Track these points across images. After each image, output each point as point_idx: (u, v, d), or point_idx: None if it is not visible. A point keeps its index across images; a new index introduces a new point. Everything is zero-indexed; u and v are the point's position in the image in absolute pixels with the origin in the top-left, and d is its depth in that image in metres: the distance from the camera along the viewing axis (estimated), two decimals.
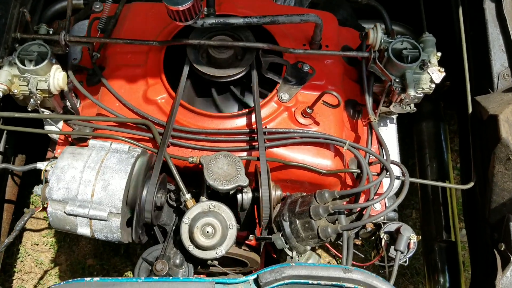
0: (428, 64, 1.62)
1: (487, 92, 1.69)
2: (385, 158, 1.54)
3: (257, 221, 1.50)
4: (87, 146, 1.41)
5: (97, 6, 1.85)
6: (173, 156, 1.50)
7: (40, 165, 1.53)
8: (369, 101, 1.65)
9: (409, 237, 1.52)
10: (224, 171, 1.36)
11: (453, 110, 2.33)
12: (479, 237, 1.71)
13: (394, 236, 1.58)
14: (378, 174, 1.55)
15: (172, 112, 1.50)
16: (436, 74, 1.66)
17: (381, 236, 1.60)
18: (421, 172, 2.12)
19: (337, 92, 1.64)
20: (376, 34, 1.62)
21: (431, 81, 1.65)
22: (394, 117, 1.89)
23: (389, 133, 1.83)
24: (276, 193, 1.45)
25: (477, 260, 1.73)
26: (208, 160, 1.38)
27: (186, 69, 1.58)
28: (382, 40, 1.64)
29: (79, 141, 1.57)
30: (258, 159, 1.48)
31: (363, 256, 1.74)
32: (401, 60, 1.61)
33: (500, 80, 1.67)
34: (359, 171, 1.54)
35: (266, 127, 1.57)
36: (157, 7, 1.81)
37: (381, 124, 1.84)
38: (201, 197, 1.41)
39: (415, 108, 1.71)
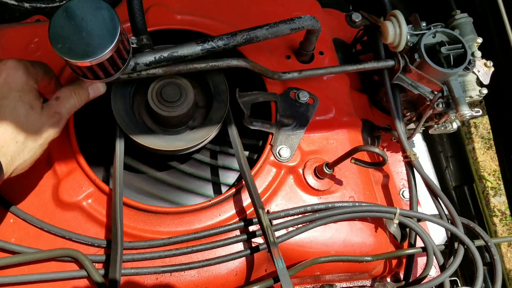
0: (474, 60, 1.10)
1: None
2: (446, 218, 1.03)
3: None
4: None
5: None
6: None
7: None
8: (402, 130, 1.11)
9: None
10: None
11: None
12: None
13: None
14: (446, 246, 1.05)
15: (117, 223, 0.87)
16: (483, 71, 1.15)
17: None
18: (439, 179, 1.64)
19: (351, 120, 1.10)
20: (399, 29, 1.06)
21: (479, 83, 1.14)
22: (420, 131, 1.38)
23: (421, 158, 1.31)
24: None
25: None
26: None
27: (120, 146, 0.93)
28: (409, 36, 1.08)
29: None
30: (275, 280, 0.91)
31: None
32: (437, 61, 1.07)
33: None
34: (420, 250, 1.02)
35: (268, 211, 0.99)
36: (45, 31, 1.10)
37: None
38: None
39: (459, 124, 1.20)
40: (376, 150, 0.89)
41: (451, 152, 1.67)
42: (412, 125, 1.25)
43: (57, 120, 0.82)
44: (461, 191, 1.63)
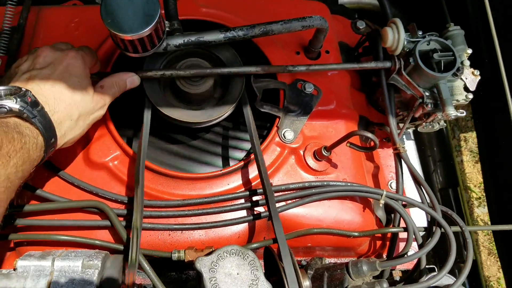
0: (462, 67, 1.24)
1: None
2: (428, 204, 1.17)
3: None
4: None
5: None
6: (148, 252, 1.02)
7: None
8: (394, 125, 1.25)
9: None
10: (234, 278, 0.91)
11: None
12: None
13: None
14: (425, 229, 1.18)
15: (139, 182, 0.99)
16: (470, 78, 1.29)
17: None
18: (426, 180, 1.78)
19: (350, 113, 1.23)
20: (398, 35, 1.20)
21: (466, 88, 1.28)
22: (411, 131, 1.51)
23: (409, 153, 1.44)
24: (305, 285, 1.03)
25: None
26: (208, 265, 0.91)
27: (147, 115, 1.07)
28: (405, 42, 1.22)
29: None
30: (274, 240, 1.04)
31: None
32: (430, 66, 1.21)
33: None
34: (402, 230, 1.15)
35: (271, 183, 1.11)
36: (84, 13, 1.24)
37: None
38: None
39: (445, 124, 1.33)
40: (369, 134, 1.02)
41: (439, 157, 1.80)
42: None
43: (102, 105, 0.96)
44: (445, 193, 1.76)
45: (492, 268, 2.30)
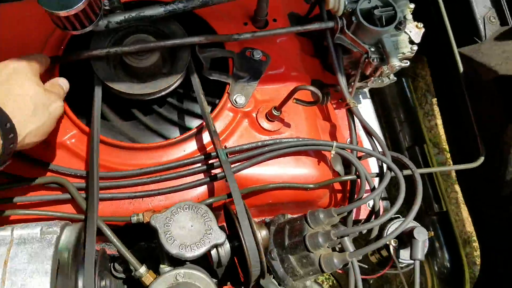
0: (405, 21, 1.28)
1: (473, 42, 1.40)
2: (380, 152, 1.21)
3: (240, 273, 1.12)
4: None
5: None
6: (108, 219, 1.06)
7: None
8: (343, 82, 1.29)
9: (425, 240, 1.23)
10: (189, 230, 0.96)
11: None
12: (487, 214, 1.47)
13: (403, 239, 1.27)
14: (378, 175, 1.23)
15: (93, 156, 1.04)
16: (415, 31, 1.33)
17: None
18: (393, 141, 1.83)
19: (300, 75, 1.28)
20: None
21: (411, 41, 1.32)
22: (367, 90, 1.56)
23: (366, 111, 1.49)
24: (262, 234, 1.08)
25: (487, 240, 1.50)
26: (162, 221, 0.96)
27: (98, 91, 1.11)
28: (346, 2, 1.26)
29: None
30: (228, 196, 1.09)
31: (366, 266, 1.42)
32: (373, 23, 1.25)
33: (487, 25, 1.37)
34: (355, 177, 1.20)
35: (225, 146, 1.16)
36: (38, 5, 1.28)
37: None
38: (161, 266, 1.00)
39: (395, 78, 1.38)
40: (311, 88, 1.07)
41: (404, 117, 1.85)
42: (359, 84, 1.43)
43: (58, 93, 0.97)
44: (413, 151, 1.81)
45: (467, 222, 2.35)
